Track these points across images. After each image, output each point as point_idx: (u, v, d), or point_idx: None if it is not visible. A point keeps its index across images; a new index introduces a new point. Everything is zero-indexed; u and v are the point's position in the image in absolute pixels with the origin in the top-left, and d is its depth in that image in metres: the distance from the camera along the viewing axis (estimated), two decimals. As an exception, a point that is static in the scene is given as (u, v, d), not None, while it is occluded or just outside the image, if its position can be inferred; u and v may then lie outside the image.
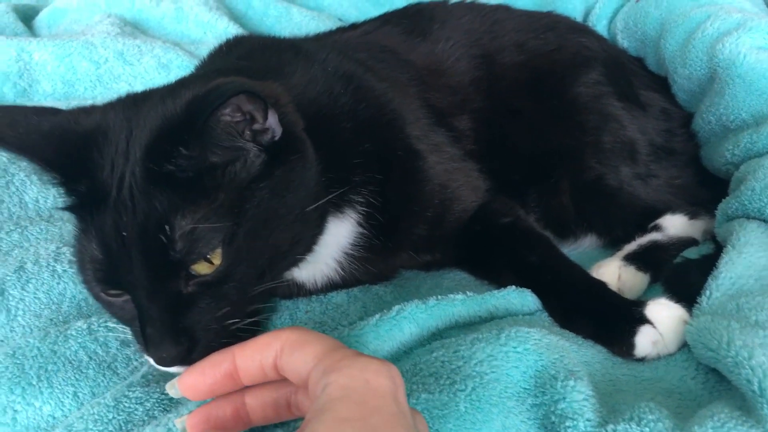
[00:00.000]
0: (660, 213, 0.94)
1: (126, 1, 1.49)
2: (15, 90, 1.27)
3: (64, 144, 0.62)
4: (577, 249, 0.98)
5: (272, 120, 0.63)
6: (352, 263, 0.80)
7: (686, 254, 0.86)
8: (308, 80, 0.76)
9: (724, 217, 0.85)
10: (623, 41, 1.20)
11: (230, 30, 1.39)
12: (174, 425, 0.59)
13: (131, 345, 0.74)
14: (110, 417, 0.64)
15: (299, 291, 0.83)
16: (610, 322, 0.72)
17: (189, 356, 0.58)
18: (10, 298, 0.78)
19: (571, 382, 0.59)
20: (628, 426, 0.55)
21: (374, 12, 1.41)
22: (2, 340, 0.75)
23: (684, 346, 0.70)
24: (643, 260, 0.87)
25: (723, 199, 0.87)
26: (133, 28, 1.42)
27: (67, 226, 0.90)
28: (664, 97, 1.07)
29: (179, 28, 1.44)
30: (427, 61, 0.99)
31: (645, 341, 0.69)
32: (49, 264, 0.81)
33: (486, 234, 0.85)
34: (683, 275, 0.81)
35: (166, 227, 0.57)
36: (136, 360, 0.72)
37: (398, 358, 0.69)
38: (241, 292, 0.61)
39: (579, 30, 1.13)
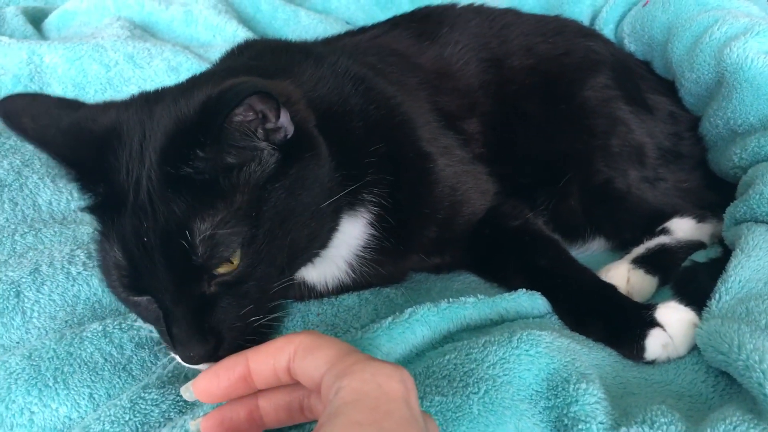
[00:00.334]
0: (668, 216, 0.95)
1: (135, 4, 1.49)
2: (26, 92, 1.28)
3: (80, 143, 0.63)
4: (586, 252, 0.99)
5: (284, 119, 0.64)
6: (362, 265, 0.81)
7: (694, 257, 0.87)
8: (318, 79, 0.77)
9: (732, 221, 0.86)
10: (630, 45, 1.21)
11: (239, 33, 1.40)
12: (190, 427, 0.60)
13: (146, 347, 0.75)
14: (127, 418, 0.64)
15: (310, 293, 0.83)
16: (620, 325, 0.72)
17: (215, 353, 0.60)
18: (26, 300, 0.79)
19: (584, 385, 0.60)
20: (640, 429, 0.56)
21: (381, 15, 1.42)
22: (18, 342, 0.76)
23: (694, 349, 0.70)
24: (651, 263, 0.88)
25: (731, 203, 0.88)
26: (143, 31, 1.43)
27: (80, 228, 0.91)
28: (672, 101, 1.07)
29: (188, 31, 1.45)
30: (436, 65, 1.00)
31: (655, 344, 0.70)
32: (63, 266, 0.82)
33: (495, 237, 0.86)
34: (692, 279, 0.82)
35: (187, 233, 0.58)
36: (151, 362, 0.73)
37: (410, 360, 0.69)
38: (262, 290, 0.63)
39: (586, 34, 1.14)
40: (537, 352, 0.65)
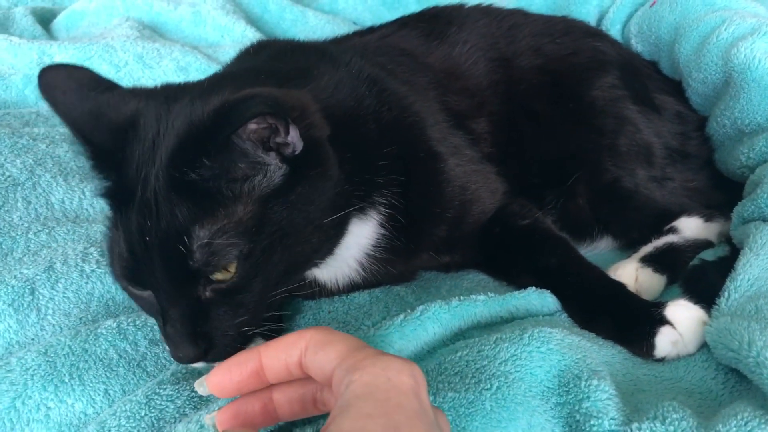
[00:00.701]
0: (675, 215, 0.95)
1: (143, 4, 1.50)
2: (37, 92, 1.27)
3: (99, 128, 0.66)
4: (594, 251, 0.99)
5: (293, 134, 0.63)
6: (373, 264, 0.81)
7: (703, 256, 0.88)
8: (336, 83, 0.77)
9: (740, 220, 0.86)
10: (637, 45, 1.21)
11: (247, 33, 1.40)
12: (205, 421, 0.61)
13: (160, 344, 0.75)
14: (142, 414, 0.65)
15: (321, 291, 0.84)
16: (630, 323, 0.73)
17: (205, 357, 0.62)
18: (41, 298, 0.79)
19: (595, 381, 0.61)
20: (652, 424, 0.56)
21: (388, 15, 1.42)
22: (33, 339, 0.77)
23: (703, 347, 0.71)
24: (659, 262, 0.88)
25: (738, 202, 0.88)
26: (152, 31, 1.44)
27: (93, 226, 0.92)
28: (679, 101, 1.08)
29: (197, 31, 1.46)
30: (444, 65, 1.00)
31: (665, 342, 0.70)
32: (77, 264, 0.83)
33: (505, 236, 0.87)
34: (701, 277, 0.82)
35: (185, 238, 0.59)
36: (165, 359, 0.74)
37: (422, 357, 0.70)
38: (257, 301, 0.64)
39: (594, 34, 1.15)
40: (548, 349, 0.65)
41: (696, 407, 0.62)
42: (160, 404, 0.66)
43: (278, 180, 0.63)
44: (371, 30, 1.12)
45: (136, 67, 1.29)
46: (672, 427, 0.56)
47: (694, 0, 1.11)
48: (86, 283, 0.82)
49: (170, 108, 0.64)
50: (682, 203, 0.97)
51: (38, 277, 0.81)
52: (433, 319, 0.72)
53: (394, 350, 0.68)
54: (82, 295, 0.81)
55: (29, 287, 0.80)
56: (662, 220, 0.96)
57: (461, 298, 0.75)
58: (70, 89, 0.67)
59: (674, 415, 0.57)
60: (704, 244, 0.92)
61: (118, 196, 0.64)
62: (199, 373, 0.69)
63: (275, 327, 0.75)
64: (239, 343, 0.63)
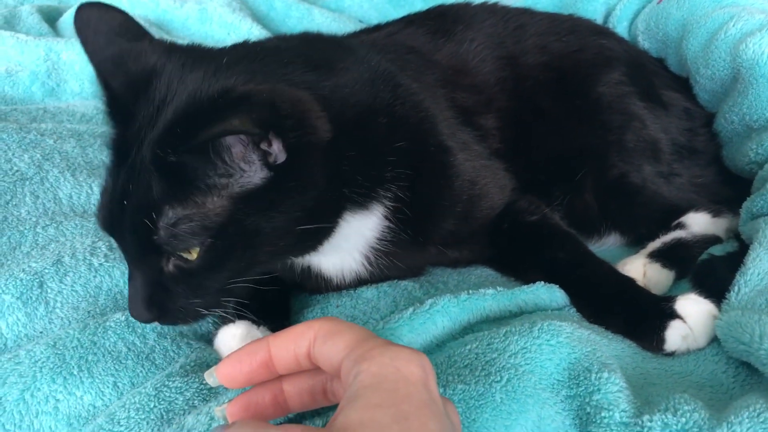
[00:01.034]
0: (683, 211, 0.95)
1: (150, 2, 1.51)
2: (44, 89, 1.30)
3: (116, 76, 0.68)
4: (601, 247, 0.99)
5: (276, 146, 0.62)
6: (379, 258, 0.81)
7: (711, 251, 0.87)
8: (356, 80, 0.75)
9: (749, 215, 0.86)
10: (644, 42, 1.21)
11: (253, 31, 1.41)
12: (215, 413, 0.61)
13: (168, 336, 0.75)
14: (151, 406, 0.65)
15: (327, 285, 0.84)
16: (639, 317, 0.73)
17: (157, 321, 0.67)
18: (49, 291, 0.79)
19: (605, 374, 0.61)
20: (664, 416, 0.56)
21: (394, 13, 1.42)
22: (42, 332, 0.77)
23: (713, 340, 0.71)
24: (667, 257, 0.88)
25: (747, 198, 0.88)
26: (158, 28, 1.45)
27: (100, 221, 0.92)
28: (686, 97, 1.08)
29: (203, 28, 1.47)
30: (452, 62, 1.00)
31: (675, 336, 0.70)
32: (85, 258, 0.83)
33: (513, 231, 0.87)
34: (711, 271, 0.82)
35: (154, 214, 0.61)
36: (174, 351, 0.74)
37: (431, 351, 0.70)
38: (216, 287, 0.67)
39: (600, 32, 1.14)
40: (558, 342, 0.65)
41: (707, 400, 0.62)
42: (170, 396, 0.66)
43: (257, 182, 0.64)
44: (378, 28, 1.13)
45: (142, 63, 1.29)
46: (684, 419, 0.56)
47: (702, -4, 1.11)
48: (94, 276, 0.82)
49: (183, 76, 0.65)
50: (690, 199, 0.97)
51: (46, 271, 0.81)
52: (443, 312, 0.71)
53: (403, 343, 0.67)
54: (90, 288, 0.81)
55: (38, 280, 0.80)
56: (670, 216, 0.95)
57: (470, 291, 0.75)
58: (101, 31, 0.69)
59: (686, 407, 0.56)
60: (712, 240, 0.92)
61: (119, 149, 0.67)
62: (208, 365, 0.70)
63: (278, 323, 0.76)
64: (191, 318, 0.68)
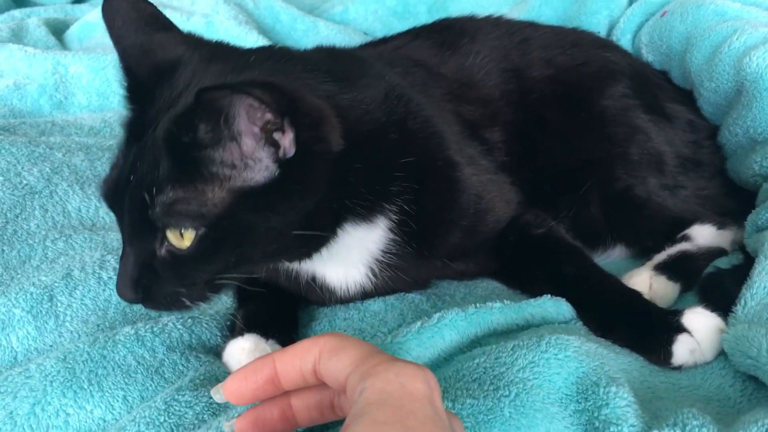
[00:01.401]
0: (688, 223, 0.95)
1: (157, 15, 1.52)
2: (51, 102, 1.31)
3: (143, 64, 0.70)
4: (607, 259, 0.99)
5: (288, 137, 0.63)
6: (384, 270, 0.82)
7: (717, 264, 0.88)
8: (373, 96, 0.76)
9: (754, 228, 0.86)
10: (648, 55, 1.22)
11: (259, 44, 1.41)
12: (225, 428, 0.61)
13: (177, 350, 0.76)
14: (161, 420, 0.65)
15: (331, 297, 0.84)
16: (647, 330, 0.73)
17: (140, 303, 0.69)
18: (59, 305, 0.80)
19: (614, 389, 0.61)
20: (672, 431, 0.56)
21: (399, 26, 1.44)
22: (51, 345, 0.77)
23: (720, 354, 0.71)
24: (673, 270, 0.89)
25: (752, 211, 0.88)
26: (165, 41, 1.45)
27: (109, 234, 0.93)
28: (690, 110, 1.08)
29: (210, 41, 1.47)
30: (458, 75, 1.01)
31: (683, 349, 0.70)
32: (94, 271, 0.83)
33: (520, 245, 0.87)
34: (717, 284, 0.82)
35: (154, 189, 0.63)
36: (183, 365, 0.74)
37: (439, 364, 0.70)
38: (202, 279, 0.68)
39: (604, 45, 1.15)
40: (566, 356, 0.65)
41: (714, 414, 0.62)
42: (179, 410, 0.66)
43: (259, 180, 0.64)
44: (384, 41, 1.13)
45: (149, 77, 1.30)
46: (692, 434, 0.56)
47: (705, 10, 1.11)
48: (104, 290, 0.83)
49: (209, 68, 0.67)
50: (695, 211, 0.97)
51: (56, 284, 0.81)
52: (450, 326, 0.72)
53: (412, 358, 0.68)
54: (99, 302, 0.82)
55: (48, 294, 0.80)
56: (675, 228, 0.96)
57: (477, 305, 0.75)
58: (130, 19, 0.72)
59: (694, 422, 0.57)
60: (717, 252, 0.92)
61: (134, 128, 0.69)
62: (218, 379, 0.70)
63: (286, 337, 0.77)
64: (174, 307, 0.69)
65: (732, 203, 0.99)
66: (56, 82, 1.31)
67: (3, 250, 0.90)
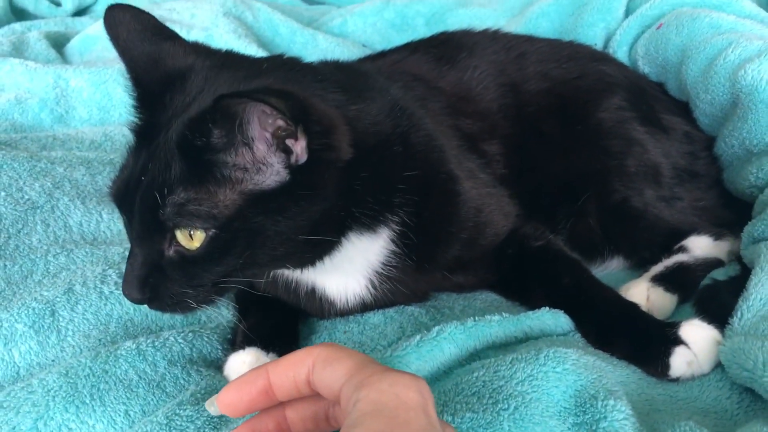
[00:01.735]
0: (685, 234, 0.96)
1: (156, 29, 1.53)
2: (52, 116, 1.32)
3: (152, 71, 0.71)
4: (605, 270, 1.00)
5: (301, 144, 0.64)
6: (384, 282, 0.82)
7: (714, 275, 0.88)
8: (380, 108, 0.77)
9: (750, 240, 0.87)
10: (644, 67, 1.23)
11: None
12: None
13: (178, 364, 0.76)
14: (163, 435, 0.66)
15: (330, 309, 0.85)
16: (644, 343, 0.74)
17: (146, 303, 0.69)
18: (61, 319, 0.81)
19: (612, 402, 0.61)
20: (670, 444, 0.57)
21: (398, 38, 1.45)
22: (54, 360, 0.78)
23: (717, 366, 0.71)
24: (670, 281, 0.89)
25: (748, 222, 0.89)
26: (165, 55, 1.46)
27: (110, 248, 0.93)
28: (686, 121, 1.09)
29: (211, 53, 1.48)
30: (456, 89, 1.02)
31: (680, 362, 0.71)
32: (96, 286, 0.84)
33: (518, 257, 0.88)
34: (714, 296, 0.83)
35: (165, 190, 0.64)
36: (184, 379, 0.75)
37: (439, 378, 0.71)
38: (210, 280, 0.69)
39: (599, 58, 1.16)
40: (564, 369, 0.66)
41: (712, 427, 0.63)
42: (181, 425, 0.67)
43: (270, 184, 0.65)
44: (382, 54, 1.14)
45: (150, 90, 1.31)
46: (690, 447, 0.56)
47: (701, 22, 1.12)
48: (105, 304, 0.83)
49: (221, 75, 0.68)
50: (692, 222, 0.98)
51: (58, 299, 0.82)
52: (449, 339, 0.72)
53: (412, 371, 0.68)
54: (101, 316, 0.82)
55: (49, 309, 0.81)
56: (672, 239, 0.96)
57: (476, 318, 0.76)
58: (135, 29, 0.73)
59: (692, 435, 0.57)
60: (714, 263, 0.93)
61: (145, 133, 0.69)
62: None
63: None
64: (180, 309, 0.70)
65: (728, 214, 1.00)
66: (57, 96, 1.32)
67: (5, 265, 0.90)
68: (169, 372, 0.75)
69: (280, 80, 0.71)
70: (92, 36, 1.60)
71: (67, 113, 1.32)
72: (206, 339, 0.81)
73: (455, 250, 0.85)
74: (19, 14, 1.97)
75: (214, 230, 0.65)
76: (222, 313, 0.84)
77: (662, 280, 0.89)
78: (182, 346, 0.78)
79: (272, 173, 0.65)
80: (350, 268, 0.80)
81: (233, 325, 0.84)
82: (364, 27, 1.62)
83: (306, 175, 0.66)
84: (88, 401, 0.70)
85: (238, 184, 0.65)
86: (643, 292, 0.87)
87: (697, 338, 0.72)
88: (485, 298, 0.91)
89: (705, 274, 0.90)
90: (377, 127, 0.75)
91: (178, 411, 0.68)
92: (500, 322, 0.76)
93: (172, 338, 0.78)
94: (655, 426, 0.61)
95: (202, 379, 0.75)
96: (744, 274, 0.80)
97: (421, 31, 1.55)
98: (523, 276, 0.87)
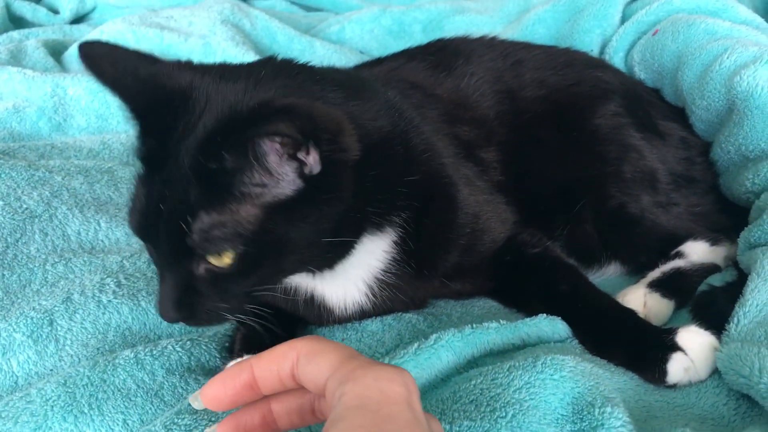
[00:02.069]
0: (682, 240, 0.96)
1: (155, 36, 1.53)
2: (50, 124, 1.32)
3: (152, 95, 0.69)
4: (602, 276, 1.00)
5: (313, 157, 0.65)
6: (383, 289, 0.83)
7: (711, 281, 0.88)
8: (378, 107, 0.78)
9: (747, 245, 0.87)
10: (640, 73, 1.23)
11: (256, 64, 1.43)
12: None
13: (176, 373, 0.76)
14: (161, 444, 0.66)
15: (329, 316, 0.85)
16: (641, 349, 0.74)
17: (184, 321, 0.70)
18: (59, 329, 0.81)
19: (609, 409, 0.61)
20: (667, 451, 0.57)
21: (395, 45, 1.45)
22: (52, 369, 0.78)
23: (714, 372, 0.71)
24: (667, 287, 0.89)
25: (744, 227, 0.89)
26: (162, 63, 1.47)
27: (108, 257, 0.93)
28: (683, 127, 1.09)
29: (207, 62, 1.48)
30: (453, 96, 1.02)
31: (677, 368, 0.71)
32: (94, 295, 0.84)
33: (515, 264, 0.88)
34: (711, 303, 0.83)
35: (189, 218, 0.64)
36: (182, 388, 0.75)
37: (436, 385, 0.71)
38: (242, 292, 0.70)
39: (595, 65, 1.16)
40: (561, 377, 0.66)
41: (709, 433, 0.63)
42: (179, 434, 0.67)
43: (288, 193, 0.66)
44: (379, 61, 1.14)
45: (148, 98, 1.31)
46: (687, 454, 0.56)
47: (696, 28, 1.13)
48: (103, 313, 0.83)
49: (221, 90, 0.67)
50: (688, 227, 0.98)
51: (56, 309, 0.82)
52: (447, 347, 0.73)
53: (410, 378, 0.69)
54: (99, 325, 0.82)
55: (48, 318, 0.81)
56: (669, 245, 0.97)
57: (474, 325, 0.76)
58: (118, 60, 0.71)
59: (689, 442, 0.57)
60: (711, 268, 0.93)
61: (154, 159, 0.68)
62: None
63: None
64: (215, 321, 0.72)
65: (725, 219, 1.00)
66: (55, 105, 1.32)
67: (3, 275, 0.90)
68: (167, 381, 0.75)
69: (281, 88, 0.70)
70: (90, 44, 1.60)
71: (65, 122, 1.32)
72: (204, 347, 0.81)
73: (454, 257, 0.85)
74: (17, 22, 1.97)
75: (242, 247, 0.65)
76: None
77: (659, 286, 0.90)
78: (180, 354, 0.78)
79: (288, 182, 0.66)
80: (353, 273, 0.80)
81: (231, 333, 0.84)
82: (362, 34, 1.62)
83: (322, 179, 0.66)
84: (86, 410, 0.70)
85: (258, 198, 0.65)
86: (640, 298, 0.87)
87: (694, 345, 0.72)
88: (483, 305, 0.91)
89: (702, 280, 0.90)
90: (378, 123, 0.76)
91: (176, 420, 0.68)
92: (498, 330, 0.76)
93: (170, 347, 0.78)
94: (652, 433, 0.61)
95: (200, 388, 0.75)
96: (741, 280, 0.81)
97: (418, 37, 1.55)
98: (521, 283, 0.87)
